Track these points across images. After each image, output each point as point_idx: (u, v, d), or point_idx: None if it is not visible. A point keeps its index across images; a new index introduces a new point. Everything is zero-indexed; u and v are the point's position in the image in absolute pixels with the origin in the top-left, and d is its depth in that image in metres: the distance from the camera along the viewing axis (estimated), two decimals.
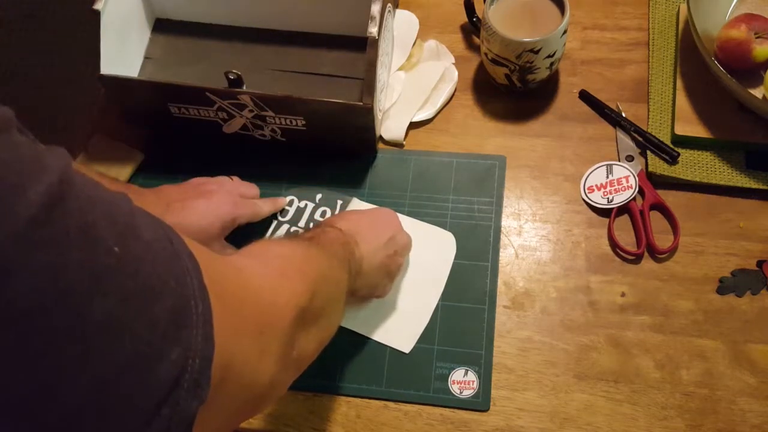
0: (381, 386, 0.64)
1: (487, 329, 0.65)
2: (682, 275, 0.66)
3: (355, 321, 0.67)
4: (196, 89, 0.69)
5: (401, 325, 0.67)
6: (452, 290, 0.68)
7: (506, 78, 0.75)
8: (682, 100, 0.73)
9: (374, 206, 0.72)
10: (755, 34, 0.69)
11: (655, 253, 0.67)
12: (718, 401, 0.60)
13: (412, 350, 0.65)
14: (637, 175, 0.71)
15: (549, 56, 0.71)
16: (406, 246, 0.64)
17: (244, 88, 0.72)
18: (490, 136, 0.77)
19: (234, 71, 0.71)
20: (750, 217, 0.68)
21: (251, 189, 0.71)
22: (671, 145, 0.71)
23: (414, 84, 0.79)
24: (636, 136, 0.73)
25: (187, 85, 0.69)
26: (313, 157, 0.76)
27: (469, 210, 0.72)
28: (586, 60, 0.80)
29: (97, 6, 0.68)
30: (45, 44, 0.81)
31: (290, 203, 0.74)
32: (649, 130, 0.73)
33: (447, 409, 0.63)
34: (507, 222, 0.71)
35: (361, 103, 0.67)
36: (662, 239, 0.68)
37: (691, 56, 0.75)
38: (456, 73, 0.80)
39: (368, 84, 0.67)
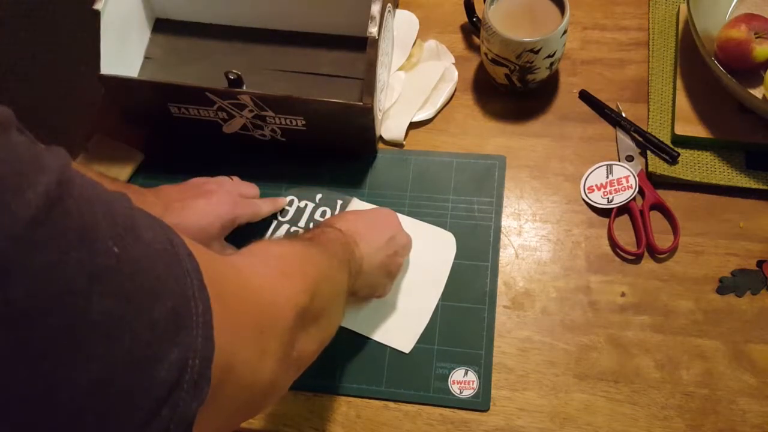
0: (381, 386, 0.64)
1: (487, 329, 0.65)
2: (682, 275, 0.66)
3: (355, 321, 0.67)
4: (196, 89, 0.69)
5: (401, 325, 0.67)
6: (452, 290, 0.68)
7: (506, 78, 0.75)
8: (682, 100, 0.73)
9: (374, 206, 0.72)
10: (755, 34, 0.69)
11: (655, 253, 0.67)
12: (718, 401, 0.60)
13: (412, 350, 0.65)
14: (637, 175, 0.71)
15: (549, 56, 0.71)
16: (406, 246, 0.64)
17: (244, 88, 0.72)
18: (490, 136, 0.77)
19: (234, 71, 0.71)
20: (750, 217, 0.68)
21: (251, 189, 0.71)
22: (671, 145, 0.71)
23: (414, 84, 0.79)
24: (636, 136, 0.73)
25: (187, 85, 0.69)
26: (313, 157, 0.76)
27: (469, 210, 0.72)
28: (586, 60, 0.80)
29: (97, 6, 0.68)
30: (45, 44, 0.81)
31: (290, 203, 0.74)
32: (649, 130, 0.73)
33: (447, 409, 0.63)
34: (507, 222, 0.71)
35: (361, 103, 0.67)
36: (662, 239, 0.68)
37: (691, 56, 0.75)
38: (456, 73, 0.80)
39: (368, 84, 0.67)
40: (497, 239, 0.70)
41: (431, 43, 0.82)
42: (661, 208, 0.70)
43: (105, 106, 0.83)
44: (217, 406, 0.31)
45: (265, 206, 0.70)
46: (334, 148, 0.76)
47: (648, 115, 0.75)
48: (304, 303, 0.42)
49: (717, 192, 0.70)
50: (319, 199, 0.74)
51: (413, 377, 0.64)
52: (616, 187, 0.71)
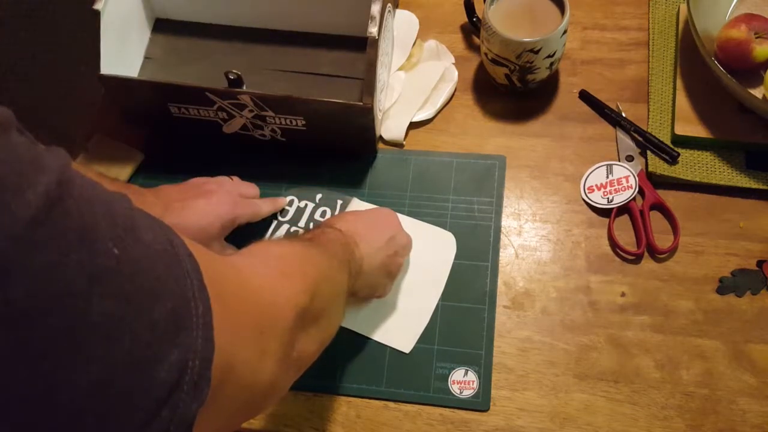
0: (381, 386, 0.64)
1: (487, 329, 0.65)
2: (682, 275, 0.66)
3: (355, 321, 0.67)
4: (196, 89, 0.69)
5: (401, 325, 0.67)
6: (452, 290, 0.68)
7: (506, 78, 0.75)
8: (682, 100, 0.73)
9: (374, 206, 0.72)
10: (755, 34, 0.69)
11: (655, 253, 0.67)
12: (718, 401, 0.60)
13: (412, 350, 0.65)
14: (637, 175, 0.71)
15: (549, 56, 0.71)
16: (407, 246, 0.64)
17: (244, 88, 0.72)
18: (490, 136, 0.77)
19: (234, 71, 0.71)
20: (750, 217, 0.68)
21: (251, 189, 0.71)
22: (671, 145, 0.71)
23: (414, 84, 0.79)
24: (636, 136, 0.73)
25: (187, 85, 0.69)
26: (313, 157, 0.76)
27: (469, 210, 0.72)
28: (586, 60, 0.80)
29: (97, 6, 0.68)
30: (45, 44, 0.81)
31: (290, 203, 0.74)
32: (649, 130, 0.73)
33: (447, 409, 0.63)
34: (507, 222, 0.71)
35: (361, 103, 0.67)
36: (662, 239, 0.68)
37: (691, 56, 0.75)
38: (456, 73, 0.80)
39: (368, 84, 0.67)
40: (497, 239, 0.70)
41: (431, 43, 0.82)
42: (661, 208, 0.70)
43: (105, 106, 0.83)
44: (217, 406, 0.31)
45: (265, 206, 0.70)
46: (334, 148, 0.76)
47: (648, 115, 0.75)
48: (304, 303, 0.42)
49: (717, 192, 0.70)
50: (319, 199, 0.74)
51: (413, 377, 0.64)
52: (616, 187, 0.71)
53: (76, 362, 0.24)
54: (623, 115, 0.75)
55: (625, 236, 0.69)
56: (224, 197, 0.66)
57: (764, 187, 0.68)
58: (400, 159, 0.76)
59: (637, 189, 0.70)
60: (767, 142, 0.69)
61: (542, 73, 0.73)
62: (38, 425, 0.23)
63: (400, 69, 0.81)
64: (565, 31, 0.71)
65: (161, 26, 0.83)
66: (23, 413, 0.23)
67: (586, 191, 0.71)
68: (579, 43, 0.81)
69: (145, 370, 0.26)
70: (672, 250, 0.68)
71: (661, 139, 0.72)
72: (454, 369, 0.64)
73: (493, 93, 0.79)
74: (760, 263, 0.66)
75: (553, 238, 0.70)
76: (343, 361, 0.65)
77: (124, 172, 0.77)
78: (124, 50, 0.76)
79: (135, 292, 0.26)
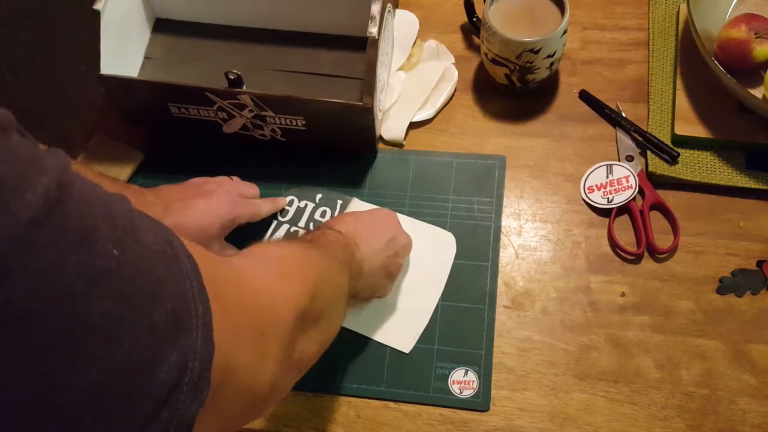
0: (381, 386, 0.64)
1: (487, 329, 0.65)
2: (682, 275, 0.66)
3: (355, 321, 0.67)
4: (196, 89, 0.69)
5: (401, 325, 0.67)
6: (452, 290, 0.68)
7: (506, 78, 0.75)
8: (682, 100, 0.73)
9: (374, 206, 0.72)
10: (755, 34, 0.69)
11: (655, 253, 0.67)
12: (718, 401, 0.60)
13: (412, 350, 0.65)
14: (637, 175, 0.71)
15: (549, 56, 0.71)
16: (406, 246, 0.64)
17: (244, 88, 0.72)
18: (490, 136, 0.77)
19: (234, 71, 0.71)
20: (750, 217, 0.68)
21: (251, 189, 0.71)
22: (671, 145, 0.71)
23: (414, 84, 0.79)
24: (636, 136, 0.73)
25: (187, 85, 0.69)
26: (313, 157, 0.76)
27: (469, 210, 0.72)
28: (586, 60, 0.80)
29: (97, 6, 0.68)
30: (45, 44, 0.81)
31: (290, 203, 0.74)
32: (649, 130, 0.73)
33: (447, 409, 0.63)
34: (507, 222, 0.71)
35: (361, 103, 0.67)
36: (662, 239, 0.68)
37: (691, 56, 0.75)
38: (456, 73, 0.80)
39: (368, 84, 0.67)
40: (497, 239, 0.70)
41: (431, 43, 0.82)
42: (661, 208, 0.70)
43: (105, 106, 0.83)
44: (217, 408, 0.31)
45: (265, 206, 0.70)
46: (334, 148, 0.76)
47: (648, 115, 0.75)
48: (304, 305, 0.42)
49: (717, 192, 0.70)
50: (319, 199, 0.74)
51: (413, 377, 0.64)
52: (616, 187, 0.71)
53: (76, 363, 0.23)
54: (623, 115, 0.75)
55: (625, 236, 0.69)
56: (224, 197, 0.66)
57: (764, 187, 0.68)
58: (400, 159, 0.76)
59: (637, 189, 0.70)
60: (767, 142, 0.69)
61: (542, 73, 0.73)
62: (38, 425, 0.23)
63: (400, 69, 0.81)
64: (565, 31, 0.71)
65: (161, 26, 0.83)
66: (23, 413, 0.23)
67: (586, 191, 0.71)
68: (579, 43, 0.81)
69: (145, 371, 0.26)
70: (672, 250, 0.68)
71: (661, 139, 0.72)
72: (454, 369, 0.64)
73: (493, 93, 0.79)
74: (760, 263, 0.66)
75: (553, 238, 0.70)
76: (343, 361, 0.65)
77: (124, 172, 0.77)
78: (124, 50, 0.76)
79: (134, 294, 0.26)
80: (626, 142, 0.73)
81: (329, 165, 0.76)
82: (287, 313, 0.40)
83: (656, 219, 0.70)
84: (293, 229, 0.73)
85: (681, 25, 0.78)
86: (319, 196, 0.74)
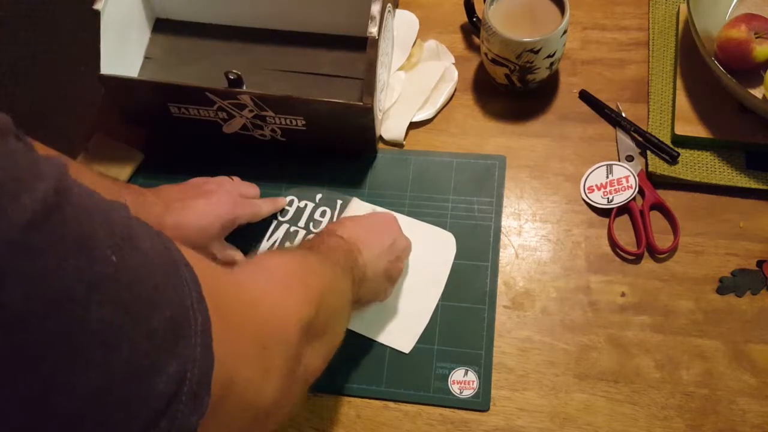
0: (381, 386, 0.64)
1: (487, 329, 0.65)
2: (682, 275, 0.66)
3: (355, 322, 0.66)
4: (196, 89, 0.69)
5: (401, 326, 0.67)
6: (452, 290, 0.68)
7: (506, 78, 0.75)
8: (682, 100, 0.73)
9: (373, 206, 0.72)
10: (755, 34, 0.69)
11: (655, 253, 0.67)
12: (718, 401, 0.60)
13: (412, 350, 0.65)
14: (637, 175, 0.71)
15: (549, 56, 0.71)
16: (406, 250, 0.64)
17: (244, 88, 0.72)
18: (490, 136, 0.76)
19: (234, 71, 0.71)
20: (750, 217, 0.68)
21: (251, 189, 0.71)
22: (671, 145, 0.71)
23: (414, 84, 0.79)
24: (636, 136, 0.73)
25: (187, 85, 0.69)
26: (313, 157, 0.76)
27: (469, 210, 0.72)
28: (586, 60, 0.80)
29: (97, 6, 0.69)
30: (45, 44, 0.81)
31: (290, 203, 0.74)
32: (649, 130, 0.73)
33: (447, 409, 0.63)
34: (507, 222, 0.71)
35: (361, 103, 0.67)
36: (662, 239, 0.68)
37: (691, 56, 0.75)
38: (456, 73, 0.80)
39: (368, 84, 0.67)
40: (497, 239, 0.70)
41: (431, 43, 0.82)
42: (661, 208, 0.70)
43: (105, 106, 0.83)
44: (218, 423, 0.31)
45: (265, 206, 0.70)
46: (334, 148, 0.76)
47: (648, 115, 0.75)
48: (308, 316, 0.41)
49: (717, 192, 0.70)
50: (319, 199, 0.74)
51: (413, 377, 0.64)
52: (616, 187, 0.71)
53: (75, 366, 0.23)
54: (623, 115, 0.75)
55: (625, 236, 0.69)
56: (224, 197, 0.66)
57: (764, 187, 0.68)
58: (400, 159, 0.76)
59: (637, 189, 0.70)
60: (767, 142, 0.69)
61: (542, 73, 0.73)
62: (37, 428, 0.23)
63: (400, 69, 0.81)
64: (565, 31, 0.71)
65: (161, 26, 0.83)
66: (23, 413, 0.23)
67: (586, 191, 0.71)
68: (579, 43, 0.81)
69: (144, 379, 0.26)
70: (672, 250, 0.67)
71: (661, 139, 0.72)
72: (454, 369, 0.64)
73: (493, 93, 0.79)
74: (760, 263, 0.66)
75: (553, 238, 0.70)
76: (343, 361, 0.65)
77: (124, 172, 0.77)
78: (124, 50, 0.76)
79: (133, 300, 0.26)
80: (626, 142, 0.73)
81: (329, 165, 0.76)
82: (291, 326, 0.39)
83: (656, 219, 0.70)
84: (293, 229, 0.73)
85: (681, 25, 0.78)
86: (319, 196, 0.74)
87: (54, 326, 0.23)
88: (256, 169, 0.75)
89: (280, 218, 0.73)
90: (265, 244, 0.72)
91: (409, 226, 0.69)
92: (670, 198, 0.70)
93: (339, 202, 0.74)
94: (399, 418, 0.63)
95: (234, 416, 0.33)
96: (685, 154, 0.71)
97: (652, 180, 0.71)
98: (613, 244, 0.69)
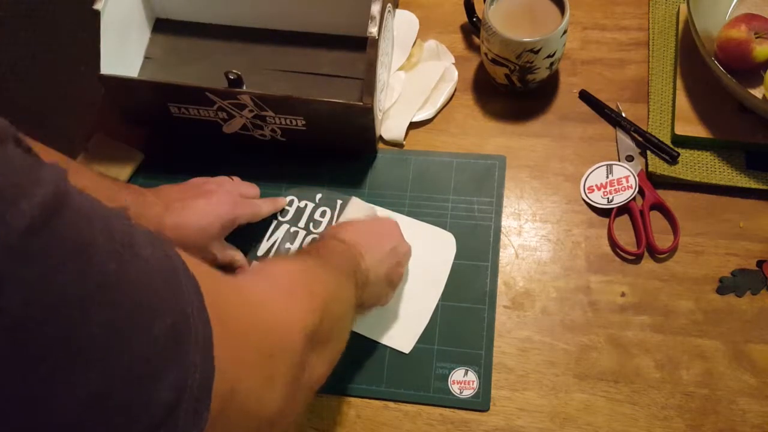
0: (381, 386, 0.64)
1: (487, 329, 0.65)
2: (682, 275, 0.66)
3: (355, 322, 0.66)
4: (196, 89, 0.69)
5: (401, 326, 0.67)
6: (452, 290, 0.68)
7: (506, 78, 0.75)
8: (682, 100, 0.73)
9: (373, 206, 0.72)
10: (755, 34, 0.69)
11: (655, 253, 0.67)
12: (718, 401, 0.60)
13: (412, 350, 0.65)
14: (637, 175, 0.71)
15: (549, 56, 0.71)
16: (407, 255, 0.63)
17: (244, 88, 0.72)
18: (490, 136, 0.77)
19: (234, 71, 0.71)
20: (750, 217, 0.68)
21: (251, 189, 0.71)
22: (671, 145, 0.71)
23: (414, 84, 0.79)
24: (636, 136, 0.73)
25: (187, 85, 0.69)
26: (313, 157, 0.76)
27: (469, 210, 0.72)
28: (586, 60, 0.80)
29: (97, 6, 0.68)
30: (45, 44, 0.81)
31: (290, 203, 0.74)
32: (649, 130, 0.73)
33: (447, 409, 0.63)
34: (507, 222, 0.71)
35: (361, 103, 0.67)
36: (662, 239, 0.68)
37: (691, 56, 0.75)
38: (456, 73, 0.80)
39: (368, 84, 0.67)
40: (497, 239, 0.70)
41: (431, 43, 0.82)
42: (661, 208, 0.70)
43: (105, 106, 0.83)
44: None
45: (265, 206, 0.70)
46: (334, 148, 0.76)
47: (648, 115, 0.75)
48: (313, 324, 0.41)
49: (717, 192, 0.70)
50: (319, 199, 0.74)
51: (413, 377, 0.64)
52: (616, 187, 0.71)
53: (75, 370, 0.23)
54: (623, 115, 0.75)
55: (625, 236, 0.69)
56: (224, 197, 0.66)
57: (764, 187, 0.68)
58: (400, 159, 0.76)
59: (637, 189, 0.70)
60: (767, 142, 0.69)
61: (542, 73, 0.73)
62: (37, 430, 0.23)
63: (400, 69, 0.81)
64: (565, 31, 0.71)
65: (161, 26, 0.83)
66: (23, 415, 0.23)
67: (586, 191, 0.71)
68: (579, 43, 0.81)
69: (144, 385, 0.26)
70: (672, 250, 0.67)
71: (661, 139, 0.72)
72: (454, 369, 0.64)
73: (493, 93, 0.79)
74: (760, 263, 0.66)
75: (553, 238, 0.70)
76: (343, 361, 0.65)
77: (124, 172, 0.77)
78: (124, 50, 0.76)
79: (134, 307, 0.26)
80: (626, 142, 0.73)
81: (329, 165, 0.76)
82: (296, 334, 0.39)
83: (656, 219, 0.70)
84: (293, 229, 0.73)
85: (681, 25, 0.78)
86: (319, 196, 0.74)
87: (53, 330, 0.23)
88: (256, 169, 0.75)
89: (280, 218, 0.73)
90: (265, 244, 0.72)
91: (409, 226, 0.69)
92: (670, 198, 0.70)
93: (339, 202, 0.74)
94: (399, 418, 0.63)
95: (237, 426, 0.32)
96: (685, 154, 0.71)
97: (652, 180, 0.71)
98: (613, 244, 0.69)
